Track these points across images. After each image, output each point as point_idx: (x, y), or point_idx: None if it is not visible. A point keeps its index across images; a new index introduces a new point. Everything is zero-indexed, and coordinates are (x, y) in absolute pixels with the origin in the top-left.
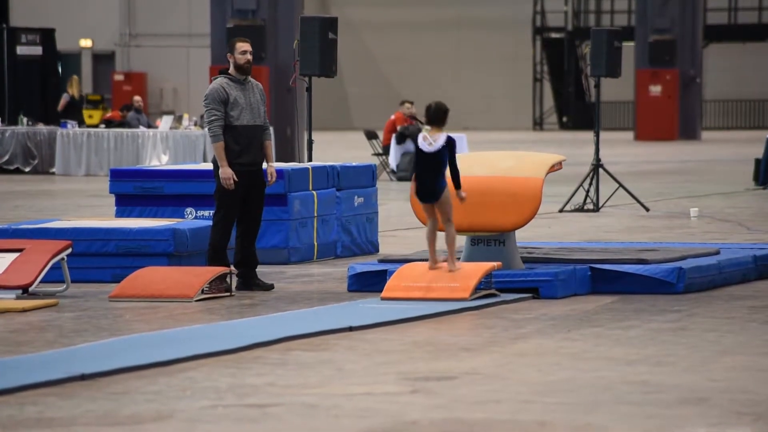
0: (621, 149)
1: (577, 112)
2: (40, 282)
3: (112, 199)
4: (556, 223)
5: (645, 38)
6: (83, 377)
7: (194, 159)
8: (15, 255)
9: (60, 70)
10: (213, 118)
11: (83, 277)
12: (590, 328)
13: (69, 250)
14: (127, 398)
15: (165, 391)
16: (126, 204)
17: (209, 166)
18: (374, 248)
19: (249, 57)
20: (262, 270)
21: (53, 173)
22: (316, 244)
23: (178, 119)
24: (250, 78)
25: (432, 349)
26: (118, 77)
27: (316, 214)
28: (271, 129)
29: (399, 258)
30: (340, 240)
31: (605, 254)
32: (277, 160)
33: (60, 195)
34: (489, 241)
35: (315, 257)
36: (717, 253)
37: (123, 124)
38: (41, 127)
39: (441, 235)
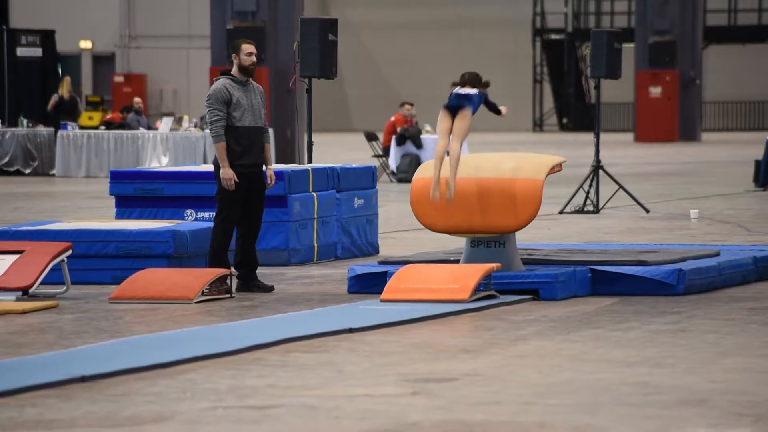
0: (621, 151)
1: (577, 113)
2: (41, 284)
3: (112, 200)
4: (556, 224)
5: (645, 40)
6: (83, 379)
7: (194, 161)
8: (15, 257)
9: (60, 72)
10: (215, 118)
11: (83, 278)
12: (590, 329)
13: (69, 252)
14: (127, 400)
15: (165, 393)
16: (126, 206)
17: (209, 167)
18: (374, 250)
19: (254, 59)
20: (262, 271)
21: (53, 175)
22: (316, 245)
23: (178, 121)
24: (251, 80)
25: (432, 351)
26: (118, 79)
27: (316, 216)
28: (271, 131)
29: (399, 260)
30: (340, 241)
31: (605, 256)
32: (277, 162)
33: (60, 197)
34: (489, 242)
35: (315, 259)
36: (717, 254)
37: (123, 125)
38: (41, 129)
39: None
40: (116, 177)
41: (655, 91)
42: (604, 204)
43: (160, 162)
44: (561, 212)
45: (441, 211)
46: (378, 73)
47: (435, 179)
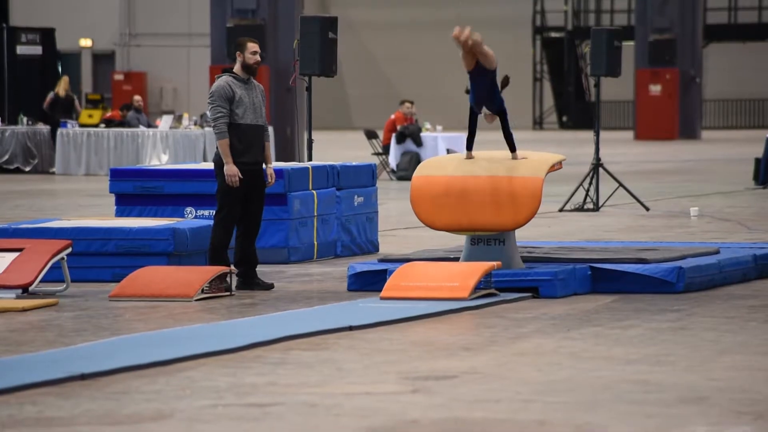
0: (621, 149)
1: (577, 111)
2: (40, 281)
3: (112, 198)
4: (556, 222)
5: (645, 38)
6: (83, 377)
7: (194, 158)
8: (15, 254)
9: (60, 70)
10: (219, 115)
11: (83, 276)
12: (590, 327)
13: (69, 250)
14: (127, 398)
15: (165, 391)
16: (126, 203)
17: (209, 165)
18: (374, 248)
19: (258, 58)
20: (262, 269)
21: (53, 173)
22: (316, 243)
23: (178, 119)
24: (252, 78)
25: (432, 349)
26: (118, 77)
27: (316, 214)
28: (271, 129)
29: (399, 257)
30: (339, 239)
31: (605, 254)
32: (277, 160)
33: (60, 194)
34: (489, 240)
35: (315, 257)
36: (717, 252)
37: (123, 123)
38: (41, 127)
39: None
40: (116, 175)
41: (655, 89)
42: (604, 202)
43: (159, 160)
44: (561, 210)
45: (441, 209)
46: (378, 71)
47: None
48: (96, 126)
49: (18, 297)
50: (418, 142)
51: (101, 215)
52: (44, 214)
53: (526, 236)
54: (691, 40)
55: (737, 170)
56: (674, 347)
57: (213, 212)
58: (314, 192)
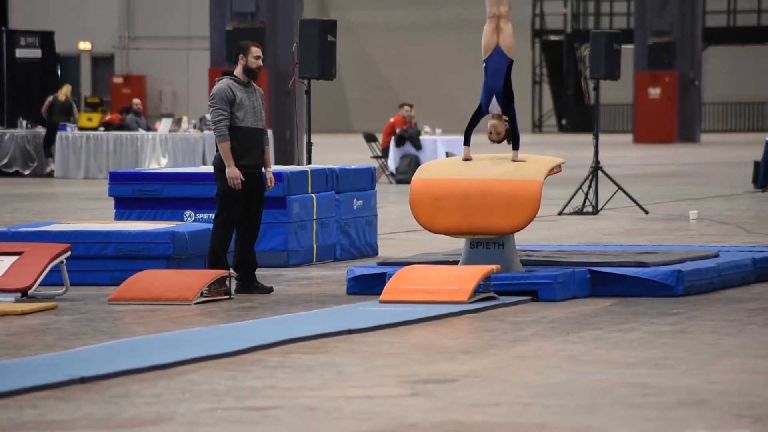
0: (620, 152)
1: (576, 114)
2: (39, 285)
3: (111, 202)
4: (555, 225)
5: (644, 41)
6: (83, 380)
7: (193, 162)
8: (14, 258)
9: (59, 73)
10: (220, 117)
11: (82, 280)
12: (589, 330)
13: (68, 253)
14: (127, 401)
15: (165, 394)
16: (125, 207)
17: (209, 168)
18: (373, 251)
19: (261, 63)
20: (261, 273)
21: (51, 173)
22: (315, 246)
23: (177, 122)
24: (252, 82)
25: (431, 352)
26: (117, 80)
27: (315, 217)
28: (270, 132)
29: (398, 261)
30: (339, 243)
31: (604, 257)
32: (276, 163)
33: (59, 198)
34: (488, 243)
35: (314, 260)
36: (716, 255)
37: (122, 126)
38: (40, 130)
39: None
40: (115, 178)
41: (655, 92)
42: (603, 205)
43: (159, 163)
44: (560, 213)
45: (440, 212)
46: (377, 74)
47: None
48: (95, 129)
49: (17, 300)
50: (418, 146)
51: (100, 218)
52: (43, 217)
53: (525, 239)
54: (690, 43)
55: (736, 173)
56: (673, 350)
57: (212, 215)
58: (313, 195)
